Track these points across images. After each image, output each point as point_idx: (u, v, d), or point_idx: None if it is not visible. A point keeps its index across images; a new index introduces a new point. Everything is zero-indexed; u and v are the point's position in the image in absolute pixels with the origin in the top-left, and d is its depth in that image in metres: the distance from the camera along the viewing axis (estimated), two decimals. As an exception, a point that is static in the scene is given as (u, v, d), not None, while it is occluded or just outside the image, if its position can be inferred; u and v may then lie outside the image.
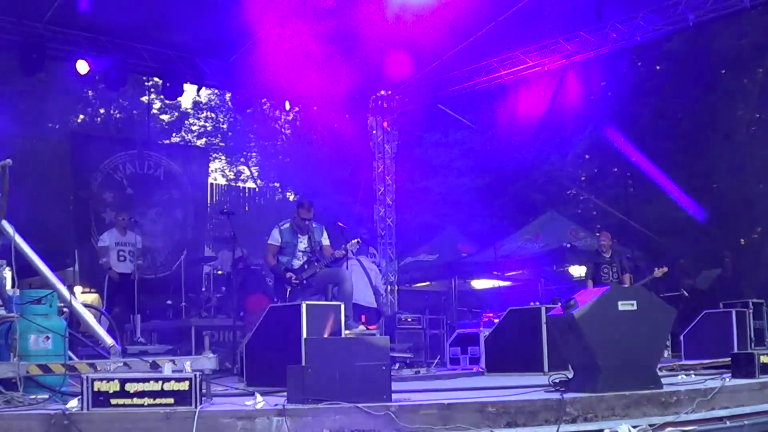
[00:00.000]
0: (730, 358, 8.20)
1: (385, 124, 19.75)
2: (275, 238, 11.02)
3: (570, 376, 7.16)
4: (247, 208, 27.45)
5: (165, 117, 31.26)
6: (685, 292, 16.06)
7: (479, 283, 23.16)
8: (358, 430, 5.65)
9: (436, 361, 13.61)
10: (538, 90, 21.12)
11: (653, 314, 6.95)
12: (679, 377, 8.04)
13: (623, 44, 15.80)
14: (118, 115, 28.18)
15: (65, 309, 6.80)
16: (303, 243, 11.05)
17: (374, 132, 19.98)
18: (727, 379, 7.32)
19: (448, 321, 17.38)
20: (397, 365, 12.33)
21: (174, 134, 30.84)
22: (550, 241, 19.98)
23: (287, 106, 19.29)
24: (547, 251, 19.95)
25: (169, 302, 15.58)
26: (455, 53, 16.93)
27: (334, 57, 15.88)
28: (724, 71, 23.41)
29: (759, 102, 20.92)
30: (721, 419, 6.63)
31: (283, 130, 32.84)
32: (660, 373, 7.67)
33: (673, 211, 22.51)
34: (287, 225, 11.11)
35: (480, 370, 11.44)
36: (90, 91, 26.21)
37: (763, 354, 7.63)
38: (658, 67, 24.72)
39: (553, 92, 21.95)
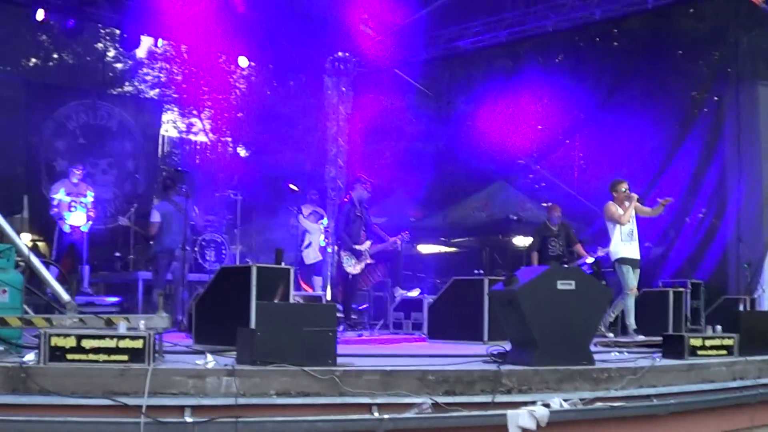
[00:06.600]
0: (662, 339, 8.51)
1: (341, 85, 19.86)
2: None
3: (508, 348, 7.41)
4: (198, 161, 27.35)
5: (119, 65, 30.92)
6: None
7: (426, 248, 23.41)
8: (303, 392, 5.85)
9: (379, 324, 13.81)
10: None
11: (590, 294, 7.20)
12: (612, 354, 8.30)
13: (581, 21, 16.03)
14: (71, 61, 27.86)
15: (21, 263, 6.89)
16: None
17: (329, 92, 20.08)
18: (657, 359, 7.58)
19: (393, 284, 17.63)
20: (341, 327, 12.55)
21: (127, 83, 30.54)
22: (497, 210, 20.24)
23: (244, 63, 19.33)
24: (495, 221, 20.21)
25: (117, 254, 15.64)
26: (415, 20, 17.05)
27: (294, 15, 15.96)
28: (680, 52, 23.68)
29: (713, 85, 21.20)
30: (648, 397, 6.92)
31: (237, 84, 32.64)
32: (595, 349, 7.96)
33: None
34: None
35: (422, 337, 11.65)
36: (44, 36, 25.94)
37: (693, 337, 7.93)
38: (615, 44, 24.94)
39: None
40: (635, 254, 11.80)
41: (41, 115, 17.07)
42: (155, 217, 13.55)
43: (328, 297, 15.40)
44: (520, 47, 23.36)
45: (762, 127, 16.58)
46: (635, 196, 11.75)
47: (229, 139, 31.71)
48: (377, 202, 23.13)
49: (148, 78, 32.33)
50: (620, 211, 11.68)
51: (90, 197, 14.48)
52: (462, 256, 22.89)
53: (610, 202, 11.90)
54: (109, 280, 15.56)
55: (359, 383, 6.02)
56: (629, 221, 11.71)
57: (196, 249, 14.98)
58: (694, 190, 21.61)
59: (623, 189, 11.86)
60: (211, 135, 32.77)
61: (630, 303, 11.55)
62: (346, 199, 13.50)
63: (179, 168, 12.71)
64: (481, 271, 15.61)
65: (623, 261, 11.71)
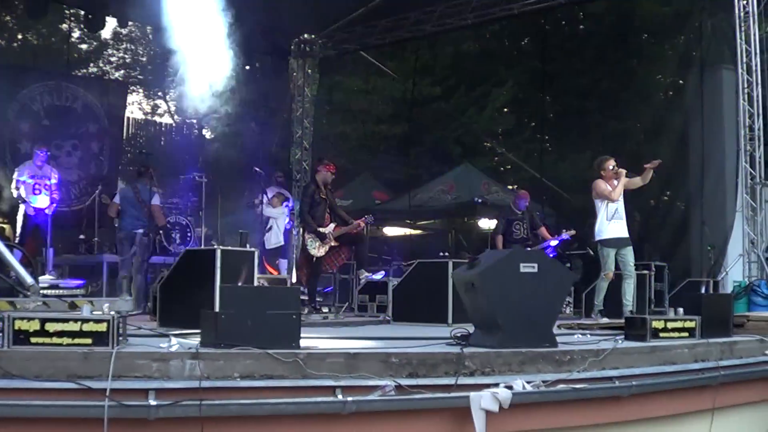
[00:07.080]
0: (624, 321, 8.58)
1: (307, 67, 19.82)
2: None
3: (471, 330, 7.44)
4: (162, 143, 27.22)
5: (84, 47, 30.69)
6: (590, 251, 16.51)
7: (391, 231, 23.45)
8: (267, 375, 5.85)
9: (344, 306, 13.83)
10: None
11: (553, 277, 7.24)
12: (576, 336, 8.34)
13: (548, 5, 16.09)
14: (35, 42, 27.64)
15: (-15, 246, 6.86)
16: None
17: (295, 74, 20.03)
18: (620, 341, 7.63)
19: (358, 267, 17.65)
20: (306, 310, 12.54)
21: (92, 65, 30.34)
22: (462, 193, 20.28)
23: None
24: (460, 203, 20.27)
25: (81, 237, 15.58)
26: (381, 2, 17.02)
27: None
28: (645, 36, 23.83)
29: (678, 69, 21.37)
30: (610, 379, 6.98)
31: (203, 66, 32.38)
32: (559, 331, 8.02)
33: (586, 171, 22.97)
34: None
35: (387, 319, 11.67)
36: (8, 16, 25.69)
37: (655, 319, 7.99)
38: (581, 27, 25.05)
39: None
40: (622, 233, 11.57)
41: (5, 97, 16.93)
42: (116, 198, 13.80)
43: (293, 280, 15.42)
44: (486, 30, 23.47)
45: (725, 110, 16.69)
46: (624, 171, 11.69)
47: (195, 121, 31.55)
48: (342, 185, 23.20)
49: (113, 59, 32.14)
50: (610, 187, 11.57)
51: (54, 179, 14.42)
52: (427, 238, 22.97)
53: (599, 179, 11.71)
54: (73, 263, 15.48)
55: (323, 366, 6.01)
56: (619, 198, 11.64)
57: (160, 233, 14.93)
58: (659, 173, 21.76)
59: (611, 167, 11.61)
60: (176, 117, 32.60)
61: (603, 286, 11.60)
62: (311, 182, 13.48)
63: (143, 151, 12.67)
64: (446, 254, 15.65)
65: (606, 243, 11.54)
